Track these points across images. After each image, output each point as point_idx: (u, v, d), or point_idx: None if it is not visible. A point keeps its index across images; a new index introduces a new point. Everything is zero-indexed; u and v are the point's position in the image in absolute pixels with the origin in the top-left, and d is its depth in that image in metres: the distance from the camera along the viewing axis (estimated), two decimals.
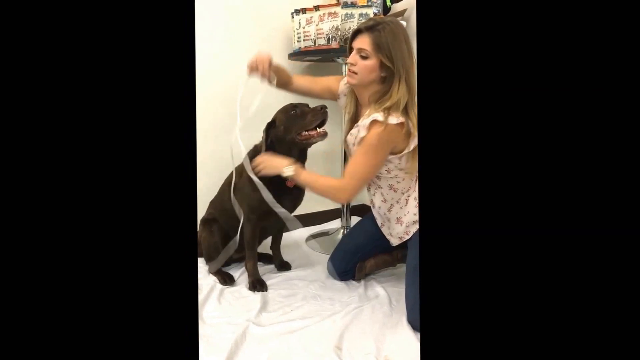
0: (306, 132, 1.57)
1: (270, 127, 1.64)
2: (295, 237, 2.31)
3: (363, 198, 2.68)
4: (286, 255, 1.99)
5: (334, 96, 1.72)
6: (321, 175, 1.55)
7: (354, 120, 1.62)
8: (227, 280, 1.75)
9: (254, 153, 1.72)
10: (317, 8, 2.02)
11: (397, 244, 1.65)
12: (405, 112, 1.42)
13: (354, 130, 1.55)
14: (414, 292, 1.44)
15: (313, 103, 1.66)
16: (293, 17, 2.10)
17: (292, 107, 1.63)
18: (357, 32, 1.47)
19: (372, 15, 1.94)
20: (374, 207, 1.69)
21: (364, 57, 1.44)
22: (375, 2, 2.00)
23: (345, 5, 1.99)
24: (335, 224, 2.47)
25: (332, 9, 1.98)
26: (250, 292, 1.67)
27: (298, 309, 1.54)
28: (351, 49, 1.49)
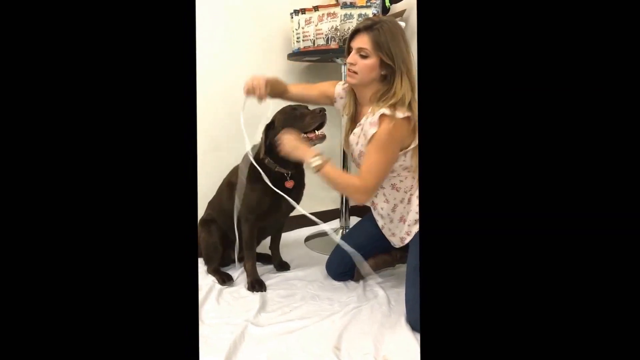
0: (305, 135, 1.57)
1: (269, 128, 1.64)
2: (294, 237, 2.31)
3: None
4: (285, 256, 1.99)
5: (330, 101, 1.73)
6: (344, 172, 1.53)
7: (354, 120, 1.62)
8: (225, 280, 1.75)
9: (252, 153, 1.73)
10: (316, 8, 2.02)
11: (399, 245, 1.65)
12: (410, 107, 1.44)
13: (356, 130, 1.56)
14: (414, 292, 1.44)
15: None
16: (292, 18, 2.10)
17: (291, 108, 1.63)
18: (355, 32, 1.47)
19: (371, 16, 1.94)
20: (374, 208, 1.68)
21: (364, 57, 1.45)
22: (375, 3, 2.01)
23: (345, 6, 1.99)
24: (334, 224, 2.47)
25: (331, 10, 1.98)
26: (249, 293, 1.67)
27: (297, 309, 1.54)
28: (350, 49, 1.50)
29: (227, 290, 1.69)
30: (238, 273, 1.83)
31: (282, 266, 1.93)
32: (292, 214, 1.82)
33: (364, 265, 1.67)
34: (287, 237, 2.19)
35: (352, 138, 1.58)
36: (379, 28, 1.43)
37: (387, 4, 2.13)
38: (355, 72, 1.47)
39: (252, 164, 1.64)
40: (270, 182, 1.54)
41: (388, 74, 1.46)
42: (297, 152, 1.49)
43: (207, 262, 1.84)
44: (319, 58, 2.16)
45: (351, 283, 1.77)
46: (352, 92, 1.61)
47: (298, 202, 1.76)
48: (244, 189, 1.69)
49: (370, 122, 1.45)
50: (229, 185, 1.82)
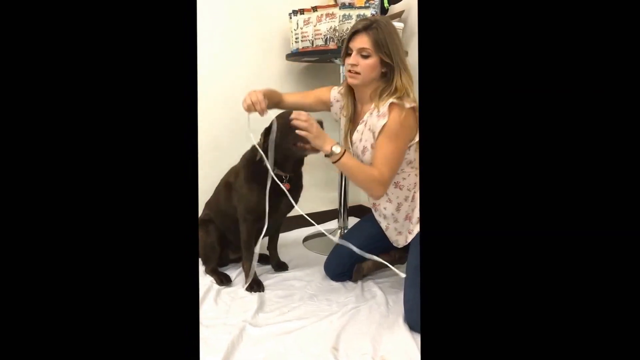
0: (300, 143, 1.55)
1: (268, 132, 1.63)
2: (293, 237, 2.31)
3: (360, 199, 2.69)
4: (283, 256, 1.99)
5: (326, 106, 1.74)
6: (361, 163, 1.51)
7: (354, 120, 1.63)
8: (223, 280, 1.75)
9: (251, 154, 1.72)
10: (314, 9, 2.02)
11: (404, 244, 1.65)
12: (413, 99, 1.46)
13: (359, 127, 1.56)
14: (414, 292, 1.44)
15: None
16: (291, 18, 2.10)
17: (289, 114, 1.62)
18: (354, 33, 1.48)
19: (369, 16, 1.94)
20: (376, 210, 1.68)
21: (366, 56, 1.46)
22: (373, 3, 2.01)
23: (343, 7, 1.99)
24: (333, 224, 2.47)
25: (330, 10, 1.98)
26: (247, 293, 1.67)
27: (295, 310, 1.54)
28: (349, 51, 1.50)
29: (225, 290, 1.69)
30: (236, 273, 1.83)
31: (281, 266, 1.93)
32: (290, 215, 1.82)
33: (369, 262, 1.66)
34: (285, 237, 2.19)
35: (356, 135, 1.58)
36: (377, 27, 1.45)
37: (386, 4, 2.13)
38: (357, 73, 1.48)
39: (251, 164, 1.65)
40: (269, 184, 1.54)
41: (387, 71, 1.49)
42: (318, 140, 1.44)
43: (204, 262, 1.84)
44: (317, 58, 2.16)
45: (349, 283, 1.77)
46: (350, 94, 1.62)
47: (295, 203, 1.77)
48: (239, 192, 1.70)
49: (377, 115, 1.46)
50: (226, 185, 1.81)
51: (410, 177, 1.56)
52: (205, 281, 1.75)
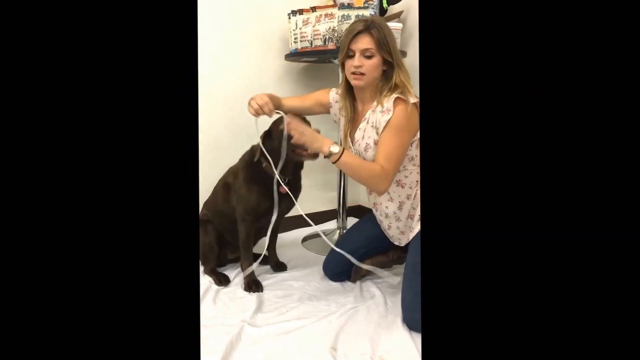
0: (299, 150, 1.54)
1: (267, 136, 1.63)
2: (292, 238, 2.31)
3: (359, 199, 2.69)
4: (282, 256, 1.99)
5: (325, 108, 1.74)
6: (362, 159, 1.51)
7: (353, 121, 1.63)
8: (222, 281, 1.75)
9: (250, 154, 1.73)
10: (313, 9, 2.02)
11: (405, 243, 1.65)
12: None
13: (362, 125, 1.56)
14: (411, 291, 1.44)
15: (312, 118, 1.68)
16: (290, 18, 2.10)
17: (281, 122, 1.62)
18: (356, 35, 1.46)
19: (367, 17, 1.95)
20: (377, 209, 1.68)
21: (369, 57, 1.46)
22: (372, 4, 2.01)
23: (342, 7, 1.99)
24: (332, 224, 2.47)
25: (329, 10, 1.98)
26: (246, 293, 1.67)
27: (293, 310, 1.54)
28: (350, 53, 1.48)
29: (224, 290, 1.69)
30: (235, 273, 1.83)
31: (279, 267, 1.93)
32: (288, 215, 1.82)
33: (359, 268, 1.68)
34: (284, 237, 2.19)
35: (358, 133, 1.57)
36: (377, 27, 1.45)
37: (385, 5, 2.13)
38: (362, 74, 1.48)
39: (250, 165, 1.65)
40: (268, 186, 1.54)
41: (387, 68, 1.49)
42: (315, 144, 1.43)
43: (203, 263, 1.84)
44: (316, 59, 2.16)
45: (348, 283, 1.77)
46: (347, 95, 1.61)
47: (293, 204, 1.77)
48: (237, 192, 1.70)
49: (382, 111, 1.46)
50: (224, 186, 1.81)
51: (412, 175, 1.55)
52: (204, 281, 1.75)
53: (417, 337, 1.36)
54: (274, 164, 1.57)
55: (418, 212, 1.58)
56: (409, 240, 1.62)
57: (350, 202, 2.47)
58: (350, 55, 1.48)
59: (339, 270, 1.77)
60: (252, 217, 1.70)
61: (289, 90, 2.32)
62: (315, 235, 2.34)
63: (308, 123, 1.62)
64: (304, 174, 1.79)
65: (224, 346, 1.27)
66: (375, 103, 1.51)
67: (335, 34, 1.97)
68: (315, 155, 1.51)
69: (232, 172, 1.81)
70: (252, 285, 1.69)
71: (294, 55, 2.14)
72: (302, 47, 2.08)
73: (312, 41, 2.04)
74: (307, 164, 1.74)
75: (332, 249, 1.82)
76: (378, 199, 1.63)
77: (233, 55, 2.15)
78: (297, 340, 1.33)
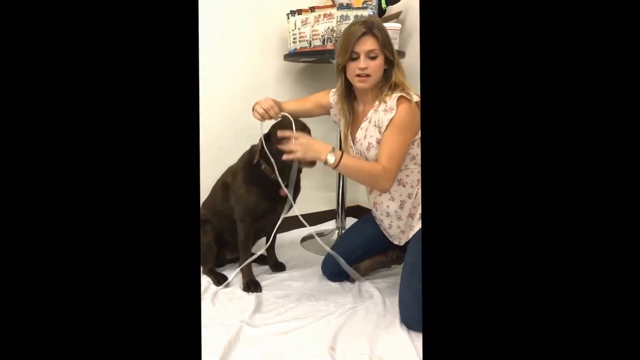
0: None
1: (267, 139, 1.63)
2: (290, 238, 2.31)
3: (357, 199, 2.69)
4: (281, 256, 1.99)
5: (325, 110, 1.74)
6: (362, 160, 1.51)
7: (353, 121, 1.63)
8: (220, 281, 1.75)
9: (249, 155, 1.72)
10: (312, 9, 2.02)
11: (405, 242, 1.65)
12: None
13: (363, 124, 1.55)
14: (410, 290, 1.44)
15: (310, 121, 1.68)
16: (289, 18, 2.10)
17: (278, 127, 1.62)
18: (360, 36, 1.45)
19: (361, 18, 1.95)
20: (377, 209, 1.67)
21: (374, 58, 1.46)
22: (371, 4, 2.01)
23: (341, 7, 1.99)
24: (331, 225, 2.47)
25: (328, 11, 1.98)
26: (245, 293, 1.67)
27: (292, 310, 1.54)
28: (354, 55, 1.46)
29: (222, 291, 1.69)
30: (233, 274, 1.83)
31: (278, 267, 1.93)
32: (288, 215, 1.82)
33: (353, 272, 1.71)
34: (283, 238, 2.19)
35: (360, 133, 1.57)
36: (378, 27, 1.45)
37: (384, 5, 2.13)
38: (367, 76, 1.47)
39: (249, 165, 1.65)
40: (267, 189, 1.53)
41: (388, 68, 1.50)
42: (311, 154, 1.42)
43: (201, 263, 1.84)
44: (315, 59, 2.16)
45: (347, 284, 1.77)
46: (345, 98, 1.61)
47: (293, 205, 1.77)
48: (236, 193, 1.70)
49: (384, 110, 1.46)
50: (223, 186, 1.81)
51: (414, 174, 1.55)
52: (203, 281, 1.74)
53: (416, 337, 1.36)
54: (275, 168, 1.57)
55: (419, 210, 1.58)
56: (409, 238, 1.62)
57: (349, 202, 2.47)
58: (353, 57, 1.47)
59: (337, 270, 1.77)
60: (251, 217, 1.70)
61: (288, 90, 2.32)
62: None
63: (308, 129, 1.61)
64: (304, 174, 1.79)
65: (223, 346, 1.27)
66: (377, 102, 1.51)
67: (334, 34, 1.97)
68: (312, 163, 1.50)
69: (231, 172, 1.81)
70: (251, 285, 1.69)
71: (292, 56, 2.14)
72: (301, 47, 2.08)
73: (311, 41, 2.04)
74: (307, 172, 1.73)
75: (332, 249, 1.83)
76: (379, 198, 1.63)
77: (233, 55, 2.15)
78: (295, 340, 1.33)
